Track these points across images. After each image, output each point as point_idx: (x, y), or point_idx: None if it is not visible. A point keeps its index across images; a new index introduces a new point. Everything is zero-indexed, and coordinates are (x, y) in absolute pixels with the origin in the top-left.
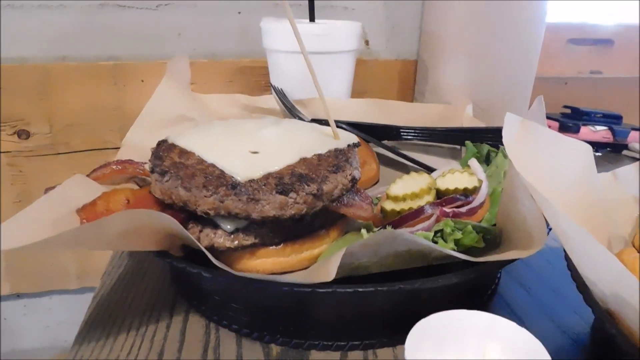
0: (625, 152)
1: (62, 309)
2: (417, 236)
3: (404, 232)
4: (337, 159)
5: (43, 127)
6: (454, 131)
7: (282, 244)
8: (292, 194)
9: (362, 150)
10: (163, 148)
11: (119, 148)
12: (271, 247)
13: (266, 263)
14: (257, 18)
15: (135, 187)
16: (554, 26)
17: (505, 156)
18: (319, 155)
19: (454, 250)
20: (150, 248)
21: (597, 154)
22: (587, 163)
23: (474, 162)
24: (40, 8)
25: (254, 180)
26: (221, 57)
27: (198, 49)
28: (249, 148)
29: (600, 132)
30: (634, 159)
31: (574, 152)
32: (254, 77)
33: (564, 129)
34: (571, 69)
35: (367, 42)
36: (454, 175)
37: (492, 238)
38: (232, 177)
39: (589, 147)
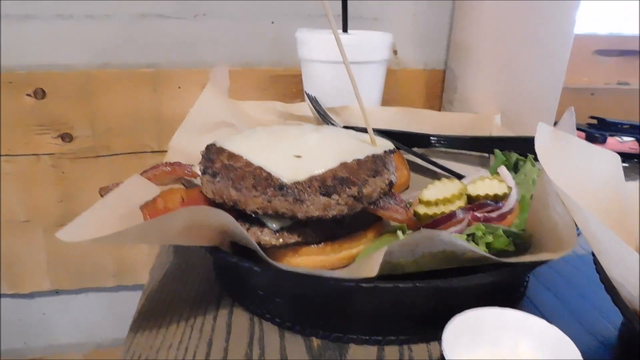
0: None
1: (98, 307)
2: (454, 237)
3: (442, 232)
4: (375, 164)
5: (85, 130)
6: (482, 140)
7: (322, 243)
8: (335, 196)
9: (396, 160)
10: (212, 151)
11: (156, 151)
12: (312, 246)
13: (307, 260)
14: (290, 27)
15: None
16: (580, 37)
17: (533, 165)
18: (358, 160)
19: (487, 253)
20: (205, 243)
21: (624, 164)
22: (615, 172)
23: (503, 170)
24: (86, 18)
25: (299, 182)
26: (255, 65)
27: (233, 58)
28: (293, 152)
29: (627, 143)
30: None
31: (604, 161)
32: (286, 85)
33: (590, 139)
34: (598, 79)
35: (395, 52)
36: (484, 182)
37: (522, 242)
38: (279, 179)
39: (618, 157)
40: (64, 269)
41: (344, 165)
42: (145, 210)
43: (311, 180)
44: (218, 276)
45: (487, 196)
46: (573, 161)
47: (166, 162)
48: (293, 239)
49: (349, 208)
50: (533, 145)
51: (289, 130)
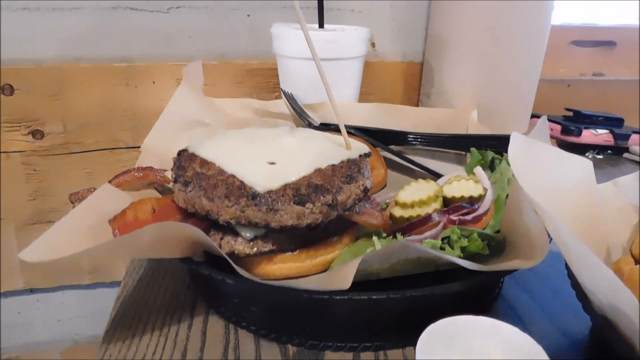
0: (626, 154)
1: (74, 304)
2: (427, 245)
3: (415, 243)
4: (350, 170)
5: (57, 127)
6: (459, 137)
7: (297, 250)
8: (309, 205)
9: (372, 157)
10: (184, 158)
11: (131, 147)
12: (287, 253)
13: (282, 268)
14: (266, 20)
15: (156, 193)
16: (556, 28)
17: (508, 164)
18: (333, 165)
19: (460, 256)
20: (177, 255)
21: (599, 156)
22: (587, 177)
23: (479, 170)
24: (54, 11)
25: (272, 191)
26: (231, 59)
27: (208, 51)
28: (267, 159)
29: (602, 135)
30: (635, 162)
31: (576, 167)
32: (263, 79)
33: (566, 132)
34: (573, 70)
35: (373, 45)
36: (460, 182)
37: (497, 244)
38: (252, 188)
39: (590, 162)
40: (38, 267)
41: (318, 171)
42: (114, 225)
43: (285, 188)
44: (193, 282)
45: (462, 198)
46: (546, 169)
47: (138, 167)
48: (267, 247)
49: (323, 216)
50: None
51: (263, 133)
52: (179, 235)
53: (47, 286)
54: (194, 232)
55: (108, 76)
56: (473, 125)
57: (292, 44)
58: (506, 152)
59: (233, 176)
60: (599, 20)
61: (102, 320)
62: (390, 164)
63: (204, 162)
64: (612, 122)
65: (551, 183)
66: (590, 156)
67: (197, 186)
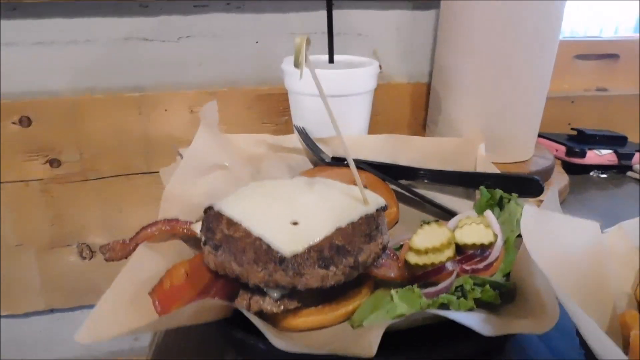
0: (629, 173)
1: None
2: (443, 300)
3: (435, 310)
4: (368, 227)
5: (73, 155)
6: (468, 175)
7: (320, 305)
8: (332, 268)
9: (383, 193)
10: (212, 218)
11: (145, 173)
12: (311, 308)
13: (307, 321)
14: (274, 46)
15: (183, 244)
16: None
17: (517, 203)
18: (353, 223)
19: (474, 307)
20: (212, 319)
21: (603, 175)
22: (594, 238)
23: (489, 215)
24: (68, 44)
25: (297, 254)
26: (240, 85)
27: (218, 78)
28: (289, 218)
29: (606, 155)
30: (638, 181)
31: (583, 230)
32: (272, 104)
33: (570, 154)
34: (577, 85)
35: (380, 67)
36: (471, 227)
37: (508, 292)
38: (279, 251)
39: (596, 224)
40: (58, 288)
41: (339, 230)
42: (154, 297)
43: (309, 250)
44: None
45: (474, 245)
46: (555, 236)
47: (164, 220)
48: (293, 305)
49: (345, 277)
50: (517, 182)
51: (283, 188)
52: (214, 307)
53: (66, 306)
54: (228, 304)
55: (121, 105)
56: (481, 160)
57: (303, 81)
58: (514, 191)
59: (260, 239)
60: (596, 33)
61: (120, 338)
62: (400, 197)
63: (231, 223)
64: (616, 141)
65: (561, 250)
66: (594, 175)
67: (227, 251)
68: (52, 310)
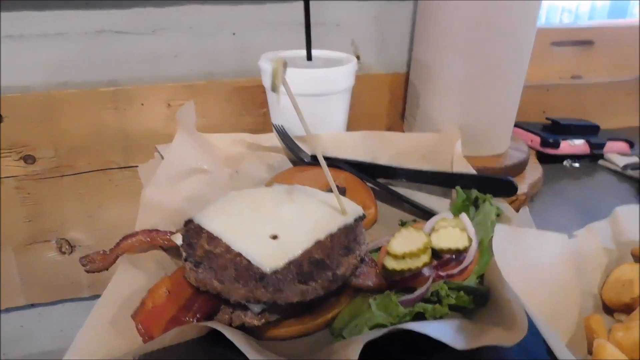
0: (601, 161)
1: (75, 315)
2: (418, 309)
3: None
4: (347, 238)
5: (48, 151)
6: (444, 175)
7: (301, 315)
8: (312, 282)
9: (362, 193)
10: (192, 233)
11: (123, 167)
12: (292, 319)
13: (288, 331)
14: (251, 37)
15: (163, 254)
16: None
17: (491, 204)
18: (331, 235)
19: (448, 313)
20: (194, 336)
21: (575, 164)
22: (564, 250)
23: (465, 218)
24: (38, 37)
25: (277, 270)
26: (218, 77)
27: (195, 70)
28: (269, 231)
29: (579, 146)
30: (609, 170)
31: (554, 243)
32: (250, 96)
33: (545, 144)
34: (553, 73)
35: (358, 57)
36: (447, 230)
37: (481, 295)
38: (259, 268)
39: (565, 237)
40: (38, 284)
41: (318, 244)
42: (137, 320)
43: (289, 265)
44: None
45: (449, 250)
46: (526, 252)
47: (144, 231)
48: (274, 317)
49: (324, 290)
50: (492, 183)
51: (262, 199)
52: (197, 328)
53: (47, 301)
54: (209, 325)
55: (96, 100)
56: (457, 159)
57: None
58: (489, 192)
59: (240, 254)
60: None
61: None
62: (378, 196)
63: (211, 237)
64: (589, 130)
65: (531, 265)
66: (568, 165)
67: (208, 268)
68: (32, 305)
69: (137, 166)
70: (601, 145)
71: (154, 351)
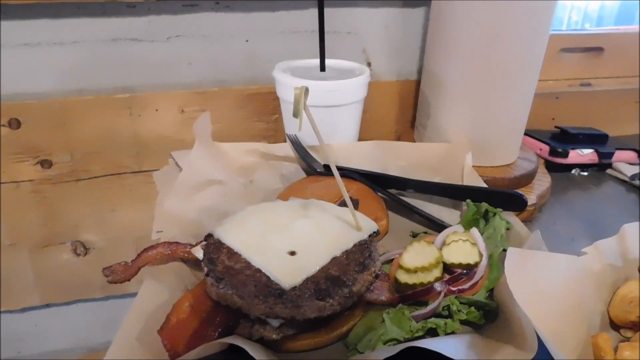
0: (609, 170)
1: (88, 315)
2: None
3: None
4: (362, 255)
5: (64, 156)
6: (454, 188)
7: (317, 328)
8: (329, 299)
9: (374, 204)
10: (212, 248)
11: (137, 172)
12: (308, 332)
13: (304, 344)
14: (264, 45)
15: (183, 266)
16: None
17: (501, 218)
18: (347, 252)
19: (459, 329)
20: (217, 351)
21: (584, 173)
22: (575, 272)
23: (475, 233)
24: (55, 45)
25: (296, 287)
26: (230, 85)
27: (208, 77)
28: (287, 248)
29: (587, 155)
30: (617, 179)
31: (564, 265)
32: (262, 103)
33: (554, 154)
34: (562, 79)
35: (369, 64)
36: (457, 244)
37: (491, 311)
38: (278, 284)
39: (576, 258)
40: (53, 285)
41: (334, 260)
42: (163, 335)
43: (307, 282)
44: None
45: (460, 265)
46: (537, 274)
47: (164, 243)
48: (291, 331)
49: (341, 306)
50: (502, 197)
51: (279, 214)
52: (219, 343)
53: (62, 301)
54: (230, 340)
55: (111, 106)
56: (468, 171)
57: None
58: (499, 205)
59: (259, 271)
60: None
61: (116, 328)
62: (389, 206)
63: (231, 253)
64: (597, 139)
65: (542, 286)
66: (576, 174)
67: (228, 284)
68: (47, 305)
69: (150, 171)
70: (610, 155)
71: None
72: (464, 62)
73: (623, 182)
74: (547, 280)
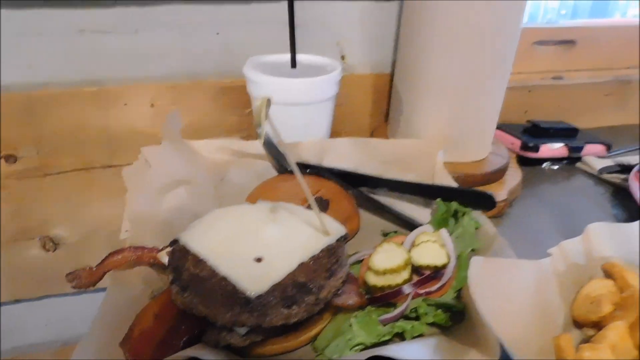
0: (578, 164)
1: (60, 310)
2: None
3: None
4: (329, 260)
5: (30, 151)
6: (426, 187)
7: (284, 333)
8: (295, 307)
9: (345, 203)
10: (178, 255)
11: (107, 166)
12: (276, 338)
13: (273, 349)
14: (235, 37)
15: (149, 270)
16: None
17: (471, 218)
18: (314, 257)
19: (425, 332)
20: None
21: (554, 167)
22: (539, 276)
23: (444, 234)
24: (18, 36)
25: (262, 295)
26: (203, 78)
27: (179, 70)
28: (253, 254)
29: (558, 149)
30: (586, 173)
31: (529, 270)
32: (235, 96)
33: (525, 148)
34: (535, 72)
35: (343, 58)
36: (426, 245)
37: (457, 312)
38: (244, 292)
39: (540, 263)
40: (22, 280)
41: (301, 266)
42: (125, 348)
43: (273, 290)
44: None
45: (429, 267)
46: (502, 281)
47: (130, 247)
48: (258, 338)
49: (307, 313)
50: (472, 196)
51: (246, 218)
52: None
53: (32, 296)
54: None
55: (79, 100)
56: (439, 169)
57: (265, 91)
58: (469, 205)
59: (225, 279)
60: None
61: (89, 322)
62: (361, 204)
63: (197, 260)
64: (568, 133)
65: (507, 293)
66: (547, 167)
67: (194, 292)
68: (17, 301)
69: (120, 165)
70: (579, 149)
71: None
72: (435, 58)
73: (592, 175)
74: (511, 287)
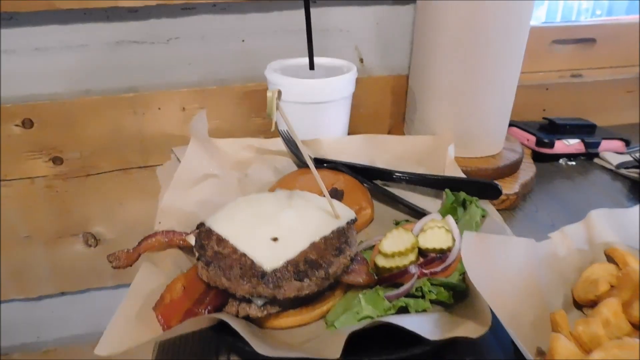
0: (596, 160)
1: (101, 302)
2: (402, 304)
3: (391, 317)
4: (339, 240)
5: (74, 153)
6: (437, 179)
7: (299, 307)
8: (306, 280)
9: (359, 194)
10: (203, 234)
11: (142, 167)
12: (290, 310)
13: (287, 321)
14: (259, 44)
15: (179, 252)
16: (538, 28)
17: (477, 206)
18: (325, 238)
19: (430, 308)
20: (206, 326)
21: (571, 162)
22: (530, 253)
23: (450, 220)
24: (63, 49)
25: (277, 269)
26: (229, 83)
27: (207, 76)
28: (270, 234)
29: (574, 145)
30: (604, 168)
31: (520, 247)
32: (259, 99)
33: (540, 144)
34: (553, 69)
35: (361, 60)
36: (433, 231)
37: (460, 291)
38: (261, 266)
39: (532, 241)
40: (67, 274)
41: (312, 245)
42: (157, 312)
43: (287, 265)
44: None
45: (434, 249)
46: (494, 257)
47: (163, 232)
48: (275, 309)
49: (318, 287)
50: (478, 187)
51: (265, 204)
52: (208, 319)
53: (76, 289)
54: (218, 316)
55: (116, 106)
56: (449, 163)
57: (285, 91)
58: (477, 195)
59: (244, 255)
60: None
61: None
62: (375, 197)
63: (220, 240)
64: (585, 129)
65: (499, 268)
66: (563, 163)
67: (217, 267)
68: (62, 293)
69: (154, 166)
70: (596, 144)
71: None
72: (447, 57)
73: (609, 170)
74: (503, 262)
